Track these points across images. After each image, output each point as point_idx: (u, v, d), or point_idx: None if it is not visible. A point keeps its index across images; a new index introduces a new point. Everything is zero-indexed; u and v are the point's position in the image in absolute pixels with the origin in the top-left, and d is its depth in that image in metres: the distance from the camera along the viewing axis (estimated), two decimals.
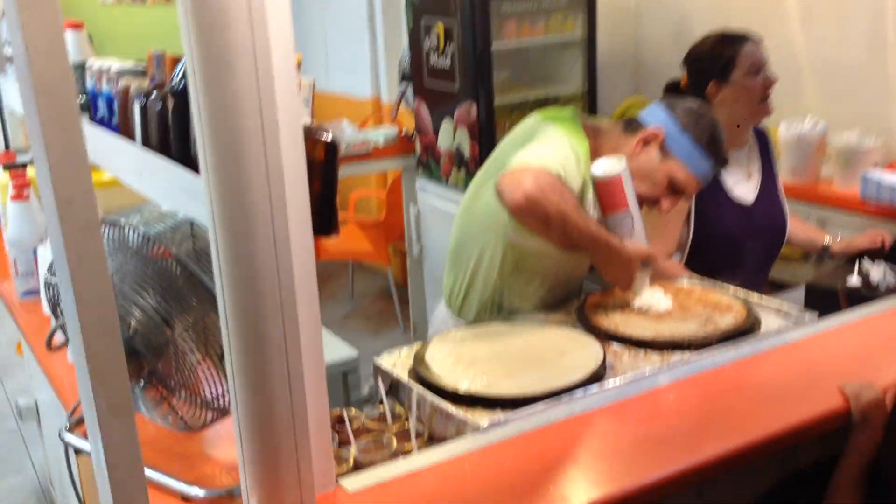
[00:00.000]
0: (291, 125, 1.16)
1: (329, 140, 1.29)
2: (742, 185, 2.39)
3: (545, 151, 1.84)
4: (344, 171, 4.22)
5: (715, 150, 1.93)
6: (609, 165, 1.87)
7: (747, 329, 1.79)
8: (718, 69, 2.35)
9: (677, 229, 2.32)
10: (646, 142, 1.93)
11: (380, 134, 4.21)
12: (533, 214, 1.72)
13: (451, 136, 3.74)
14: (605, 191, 1.87)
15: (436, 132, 3.85)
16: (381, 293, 5.46)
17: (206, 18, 1.08)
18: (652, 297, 1.93)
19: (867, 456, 1.45)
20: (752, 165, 2.43)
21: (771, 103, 2.38)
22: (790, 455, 1.51)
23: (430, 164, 3.96)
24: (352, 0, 5.40)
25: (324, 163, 1.31)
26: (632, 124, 1.98)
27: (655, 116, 1.96)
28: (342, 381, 2.52)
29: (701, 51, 2.43)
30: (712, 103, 2.35)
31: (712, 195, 2.31)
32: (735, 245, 2.34)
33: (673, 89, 2.48)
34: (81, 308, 1.04)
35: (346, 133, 4.18)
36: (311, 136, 1.28)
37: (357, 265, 5.65)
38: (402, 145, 4.24)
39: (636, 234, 1.89)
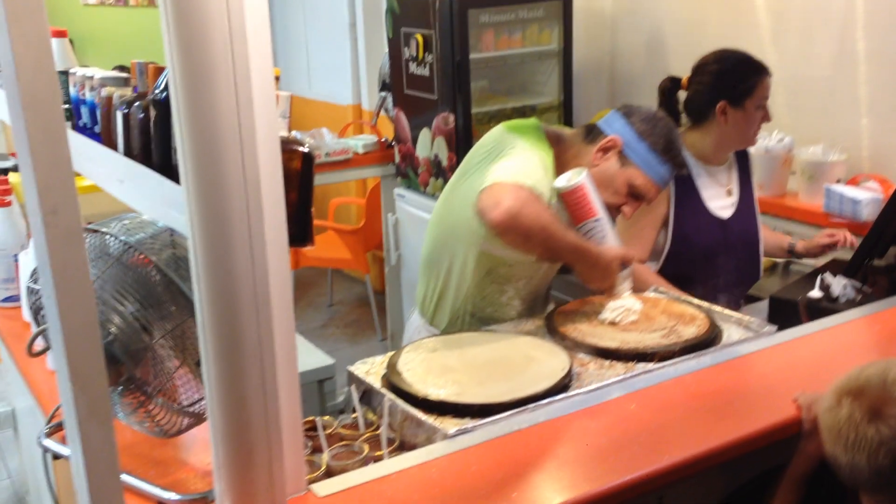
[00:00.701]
0: (268, 137, 1.21)
1: (305, 151, 1.34)
2: (720, 201, 2.46)
3: (517, 166, 1.90)
4: (323, 179, 4.27)
5: (671, 155, 2.00)
6: (571, 176, 1.94)
7: (709, 340, 1.84)
8: (737, 93, 2.38)
9: (651, 237, 2.39)
10: (605, 150, 2.00)
11: (359, 142, 4.25)
12: (514, 231, 1.77)
13: (430, 145, 3.79)
14: (572, 201, 1.93)
15: (414, 141, 3.90)
16: (360, 301, 5.49)
17: (188, 34, 1.13)
18: (625, 301, 1.98)
19: (811, 464, 1.51)
20: (732, 183, 2.50)
21: (757, 136, 2.46)
22: (747, 462, 1.57)
23: (409, 172, 4.00)
24: (334, 7, 5.44)
25: (300, 173, 1.35)
26: (592, 132, 2.04)
27: (613, 125, 2.02)
28: (318, 388, 2.55)
29: (721, 68, 2.42)
30: (714, 119, 2.39)
31: (691, 207, 2.37)
32: (709, 257, 2.40)
33: (672, 88, 2.50)
34: (64, 315, 1.07)
35: (325, 140, 4.22)
36: (287, 147, 1.33)
37: (336, 272, 5.68)
38: (381, 153, 4.28)
39: (609, 238, 1.96)
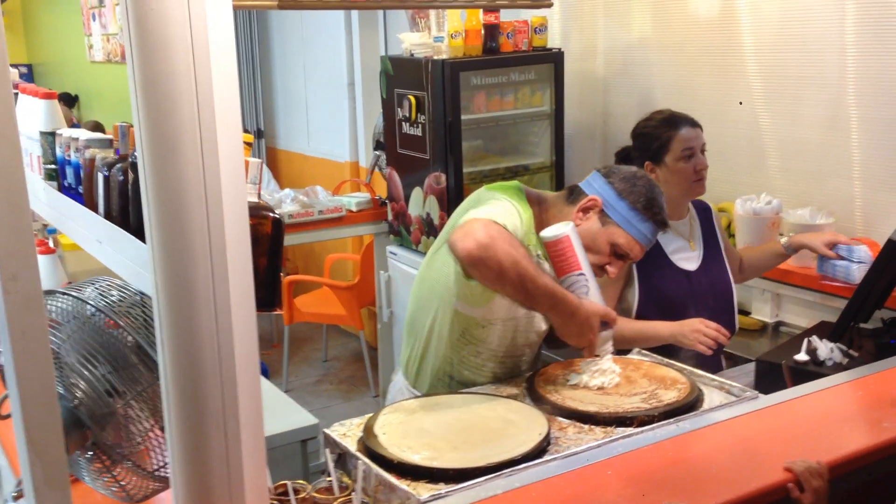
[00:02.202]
0: (236, 202, 1.21)
1: (275, 216, 1.34)
2: (684, 253, 2.49)
3: (492, 210, 1.91)
4: (316, 236, 4.29)
5: (653, 212, 2.01)
6: (557, 228, 1.94)
7: (690, 405, 1.83)
8: (653, 151, 2.49)
9: (614, 296, 2.39)
10: (585, 210, 2.01)
11: (352, 200, 4.28)
12: (485, 263, 1.75)
13: (422, 204, 3.81)
14: (557, 252, 1.93)
15: (407, 199, 3.92)
16: (355, 356, 5.47)
17: (154, 100, 1.14)
18: (606, 366, 1.96)
19: None
20: (694, 236, 2.53)
21: (703, 184, 2.51)
22: None
23: (402, 230, 4.02)
24: (333, 67, 5.53)
25: (270, 238, 1.36)
26: (573, 193, 2.06)
27: (593, 185, 2.04)
28: (301, 448, 2.54)
29: (643, 128, 2.57)
30: None
31: (655, 261, 2.40)
32: (678, 310, 2.40)
33: (624, 156, 2.60)
34: (21, 381, 1.07)
35: (319, 198, 4.25)
36: (257, 212, 1.34)
37: (331, 328, 5.67)
38: (374, 211, 4.31)
39: (592, 295, 1.94)
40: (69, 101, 8.38)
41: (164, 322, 1.19)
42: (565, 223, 1.96)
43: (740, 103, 3.28)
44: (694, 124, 2.51)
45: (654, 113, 2.60)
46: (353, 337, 5.58)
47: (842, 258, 2.62)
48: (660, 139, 2.48)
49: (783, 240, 2.72)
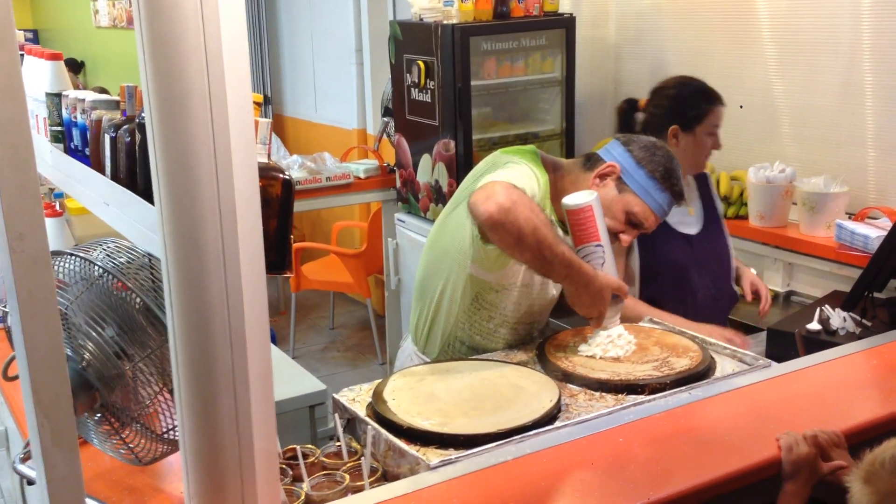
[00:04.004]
0: (245, 162, 1.19)
1: (285, 177, 1.32)
2: (683, 217, 2.48)
3: (511, 174, 1.89)
4: (324, 203, 4.27)
5: (670, 183, 1.99)
6: (581, 196, 1.91)
7: (702, 373, 1.81)
8: (688, 118, 2.46)
9: (620, 267, 2.37)
10: (602, 176, 1.98)
11: (360, 167, 4.25)
12: (505, 226, 1.73)
13: (430, 171, 3.78)
14: (577, 221, 1.90)
15: (415, 166, 3.89)
16: (362, 324, 5.47)
17: (163, 58, 1.11)
18: (617, 338, 1.94)
19: None
20: (693, 204, 2.52)
21: (707, 162, 2.54)
22: (737, 498, 1.53)
23: (410, 197, 3.99)
24: (340, 33, 5.47)
25: (280, 200, 1.34)
26: (591, 160, 2.03)
27: (612, 152, 2.01)
28: (310, 414, 2.53)
29: (678, 93, 2.51)
30: (666, 142, 2.42)
31: (657, 228, 2.38)
32: (681, 275, 2.39)
33: (629, 110, 2.60)
34: (29, 341, 1.06)
35: (327, 164, 4.22)
36: (267, 174, 1.31)
37: (338, 296, 5.66)
38: (382, 178, 4.28)
39: (607, 267, 1.91)
40: (75, 66, 8.33)
41: (173, 284, 1.18)
42: (589, 192, 1.92)
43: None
44: (724, 103, 2.52)
45: (684, 77, 2.56)
46: (360, 305, 5.58)
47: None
48: (697, 108, 2.46)
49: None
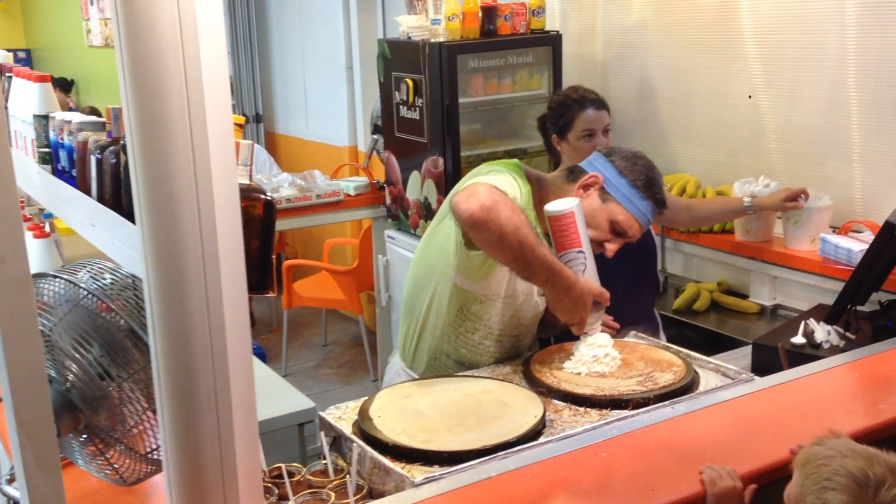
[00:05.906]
0: (225, 184, 1.20)
1: (267, 198, 1.34)
2: None
3: (493, 179, 1.92)
4: (314, 220, 4.28)
5: (652, 191, 2.01)
6: (563, 202, 1.93)
7: (685, 387, 1.82)
8: (560, 126, 2.67)
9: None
10: (586, 187, 2.01)
11: (350, 184, 4.26)
12: (487, 225, 1.76)
13: (420, 188, 3.80)
14: (559, 227, 1.92)
15: (405, 183, 3.91)
16: (354, 341, 5.48)
17: (142, 80, 1.13)
18: (604, 357, 1.95)
19: None
20: None
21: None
22: None
23: (400, 214, 4.01)
24: (331, 51, 5.50)
25: (262, 220, 1.35)
26: (573, 172, 2.06)
27: (594, 163, 2.05)
28: (298, 432, 2.53)
29: (549, 105, 2.75)
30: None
31: None
32: (600, 262, 2.37)
33: (542, 125, 2.81)
34: (10, 363, 1.06)
35: (317, 182, 4.24)
36: (249, 195, 1.33)
37: (331, 312, 5.67)
38: (372, 195, 4.29)
39: (588, 274, 1.94)
40: (65, 86, 8.33)
41: (155, 304, 1.18)
42: (571, 199, 1.95)
43: (749, 97, 3.26)
44: (600, 106, 2.67)
45: (569, 89, 2.77)
46: (352, 321, 5.58)
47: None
48: (565, 116, 2.66)
49: (747, 200, 2.83)
